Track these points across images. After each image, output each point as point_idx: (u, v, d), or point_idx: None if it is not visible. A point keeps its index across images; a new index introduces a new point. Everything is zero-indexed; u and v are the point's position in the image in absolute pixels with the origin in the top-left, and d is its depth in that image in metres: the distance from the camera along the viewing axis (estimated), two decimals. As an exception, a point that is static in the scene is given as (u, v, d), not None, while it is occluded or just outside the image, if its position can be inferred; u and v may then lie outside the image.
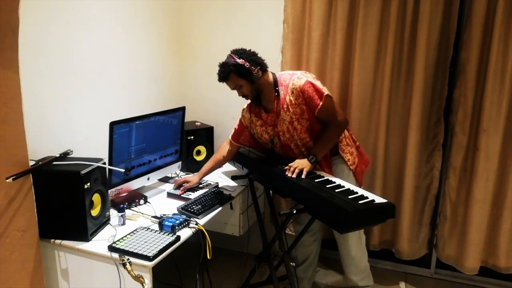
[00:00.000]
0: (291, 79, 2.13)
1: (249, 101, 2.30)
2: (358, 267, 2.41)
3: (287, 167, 2.11)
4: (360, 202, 1.82)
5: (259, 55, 2.18)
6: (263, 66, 2.17)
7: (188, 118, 2.65)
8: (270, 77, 2.20)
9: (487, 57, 2.30)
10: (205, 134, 2.73)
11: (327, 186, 1.99)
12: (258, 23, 2.77)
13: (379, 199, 1.89)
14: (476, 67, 2.35)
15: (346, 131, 2.28)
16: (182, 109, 2.48)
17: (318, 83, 2.12)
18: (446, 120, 2.50)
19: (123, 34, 2.41)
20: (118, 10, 2.35)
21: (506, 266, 2.53)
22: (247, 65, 2.10)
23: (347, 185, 2.02)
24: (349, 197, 1.87)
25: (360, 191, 1.96)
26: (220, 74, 2.16)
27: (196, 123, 2.80)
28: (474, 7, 2.27)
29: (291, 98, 2.12)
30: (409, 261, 2.76)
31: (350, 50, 2.53)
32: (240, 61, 2.08)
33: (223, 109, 2.98)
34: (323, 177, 2.12)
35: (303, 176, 2.05)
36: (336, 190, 1.94)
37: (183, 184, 2.33)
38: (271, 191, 2.57)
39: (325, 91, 2.11)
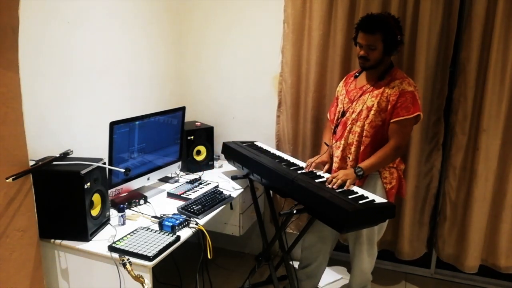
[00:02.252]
0: (403, 78, 2.06)
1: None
2: (363, 280, 2.39)
3: (329, 177, 2.04)
4: (360, 202, 1.83)
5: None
6: (401, 48, 2.09)
7: (188, 118, 2.65)
8: (389, 61, 2.13)
9: (487, 57, 2.30)
10: (205, 134, 2.73)
11: (327, 186, 2.00)
12: (259, 23, 2.77)
13: (379, 199, 1.90)
14: (476, 67, 2.35)
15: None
16: (182, 109, 2.48)
17: (418, 102, 2.04)
18: (446, 120, 2.50)
19: (123, 34, 2.41)
20: (119, 10, 2.35)
21: (505, 266, 2.53)
22: (399, 38, 2.01)
23: (347, 185, 2.02)
24: (349, 197, 1.87)
25: (360, 191, 1.96)
26: (369, 24, 2.01)
27: (196, 123, 2.80)
28: (474, 7, 2.27)
29: (388, 91, 2.04)
30: (409, 261, 2.75)
31: (350, 50, 2.53)
32: (396, 30, 2.00)
33: (223, 109, 2.99)
34: (323, 177, 2.12)
35: (345, 188, 1.98)
36: (336, 190, 1.94)
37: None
38: (271, 191, 2.57)
39: (420, 112, 2.03)
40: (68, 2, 1.98)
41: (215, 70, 2.96)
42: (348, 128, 2.16)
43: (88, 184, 1.69)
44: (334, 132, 2.26)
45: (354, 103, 2.15)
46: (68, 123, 2.05)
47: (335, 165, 2.23)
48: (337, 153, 2.22)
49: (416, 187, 2.58)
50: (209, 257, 1.88)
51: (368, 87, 2.13)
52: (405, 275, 2.87)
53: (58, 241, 1.73)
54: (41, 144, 1.86)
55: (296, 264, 2.75)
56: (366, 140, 2.10)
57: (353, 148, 2.14)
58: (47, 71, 1.91)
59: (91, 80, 2.19)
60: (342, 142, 2.18)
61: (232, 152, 2.52)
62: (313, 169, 2.23)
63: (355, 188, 1.99)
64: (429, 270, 2.85)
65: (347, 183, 1.99)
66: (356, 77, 2.25)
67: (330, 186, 1.99)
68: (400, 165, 2.20)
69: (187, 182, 2.45)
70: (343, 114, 2.21)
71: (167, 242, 1.71)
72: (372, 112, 2.07)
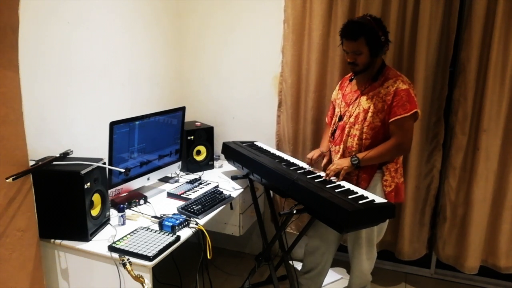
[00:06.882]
0: (397, 77, 2.05)
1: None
2: (362, 281, 2.38)
3: (327, 171, 2.09)
4: (360, 202, 1.83)
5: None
6: (387, 47, 2.08)
7: (188, 118, 2.65)
8: (380, 61, 2.12)
9: (487, 57, 2.30)
10: (205, 134, 2.73)
11: (327, 186, 2.00)
12: (259, 23, 2.77)
13: (379, 199, 1.89)
14: (476, 67, 2.35)
15: (400, 159, 2.19)
16: (182, 109, 2.48)
17: (415, 99, 2.03)
18: (446, 120, 2.50)
19: (123, 34, 2.41)
20: (119, 10, 2.35)
21: (505, 266, 2.53)
22: (382, 38, 2.00)
23: (347, 185, 2.02)
24: (349, 197, 1.87)
25: (360, 191, 1.96)
26: (350, 31, 2.00)
27: (196, 123, 2.80)
28: (474, 7, 2.27)
29: (383, 91, 2.04)
30: (409, 261, 2.75)
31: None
32: (379, 31, 1.99)
33: (223, 109, 2.99)
34: (323, 177, 2.12)
35: (340, 178, 2.03)
36: (336, 190, 1.94)
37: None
38: (271, 191, 2.57)
39: (417, 108, 2.03)
40: (68, 2, 1.98)
41: (215, 70, 2.96)
42: (346, 132, 2.16)
43: (88, 184, 1.69)
44: (333, 137, 2.26)
45: (351, 107, 2.16)
46: (68, 123, 2.05)
47: None
48: (336, 157, 2.22)
49: (417, 187, 2.58)
50: (209, 257, 1.88)
51: (363, 90, 2.13)
52: (405, 275, 2.87)
53: (58, 241, 1.73)
54: (41, 144, 1.86)
55: (296, 264, 2.75)
56: (366, 142, 2.10)
57: (353, 152, 2.14)
58: (47, 71, 1.91)
59: (91, 80, 2.19)
60: (341, 146, 2.18)
61: (232, 152, 2.52)
62: (313, 169, 2.23)
63: (355, 188, 1.99)
64: (429, 270, 2.85)
65: (342, 172, 2.03)
66: (351, 80, 2.25)
67: (327, 178, 2.05)
68: (400, 178, 2.19)
69: (187, 182, 2.45)
70: (341, 118, 2.21)
71: (167, 242, 1.71)
72: (370, 114, 2.07)
